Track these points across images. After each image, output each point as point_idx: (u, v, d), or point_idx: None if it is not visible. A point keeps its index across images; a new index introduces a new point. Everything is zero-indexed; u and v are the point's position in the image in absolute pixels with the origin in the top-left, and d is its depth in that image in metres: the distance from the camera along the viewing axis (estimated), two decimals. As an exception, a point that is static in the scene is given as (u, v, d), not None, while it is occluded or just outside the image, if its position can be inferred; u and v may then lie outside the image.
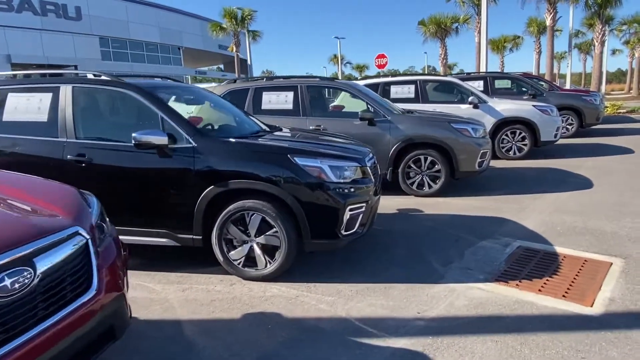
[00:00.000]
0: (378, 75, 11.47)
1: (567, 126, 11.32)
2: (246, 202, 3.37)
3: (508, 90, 11.35)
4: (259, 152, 3.43)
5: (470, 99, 8.44)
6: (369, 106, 6.20)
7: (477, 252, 4.02)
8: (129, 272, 3.77)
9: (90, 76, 3.87)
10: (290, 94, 6.37)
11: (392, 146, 6.01)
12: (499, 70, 33.92)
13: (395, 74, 31.79)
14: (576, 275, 3.47)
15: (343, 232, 3.41)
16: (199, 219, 3.46)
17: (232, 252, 3.51)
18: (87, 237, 1.91)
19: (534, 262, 3.77)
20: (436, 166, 5.99)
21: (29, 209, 2.02)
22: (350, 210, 3.41)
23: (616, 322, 2.75)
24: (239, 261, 3.51)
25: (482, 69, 17.25)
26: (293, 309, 3.06)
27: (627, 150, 9.14)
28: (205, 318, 2.98)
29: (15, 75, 4.35)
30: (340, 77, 42.66)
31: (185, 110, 4.79)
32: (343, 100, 7.15)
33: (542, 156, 8.87)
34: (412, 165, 6.09)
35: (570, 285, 3.30)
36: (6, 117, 3.80)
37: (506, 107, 8.57)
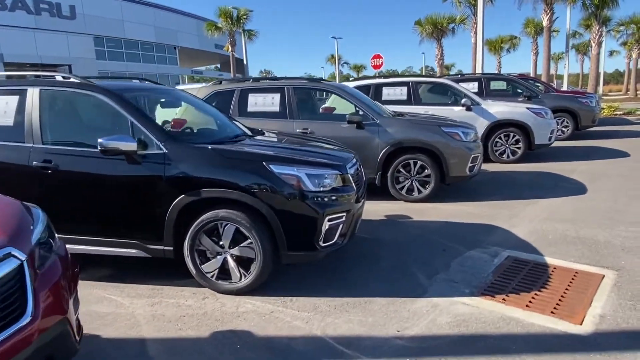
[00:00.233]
0: (370, 77, 11.29)
1: (563, 129, 11.17)
2: (219, 212, 3.20)
3: (503, 91, 11.19)
4: (233, 159, 3.25)
5: (463, 101, 8.28)
6: (357, 109, 6.03)
7: (464, 263, 3.86)
8: (98, 283, 3.64)
9: (58, 78, 3.69)
10: (277, 96, 6.19)
11: (381, 150, 5.84)
12: (496, 72, 33.86)
13: (393, 74, 31.68)
14: (566, 288, 3.31)
15: (322, 244, 3.24)
16: (170, 229, 3.29)
17: (205, 264, 3.33)
18: (22, 258, 1.73)
19: (523, 273, 3.61)
20: (426, 171, 5.83)
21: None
22: (330, 220, 3.24)
23: (606, 342, 2.58)
24: (212, 274, 3.33)
25: (479, 69, 17.11)
26: (266, 326, 2.89)
27: (622, 154, 8.99)
28: (172, 336, 2.81)
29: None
30: (337, 77, 42.54)
31: (172, 113, 4.65)
32: (334, 102, 6.99)
33: (536, 160, 8.71)
34: (402, 170, 5.92)
35: (560, 300, 3.14)
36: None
37: (499, 109, 8.41)
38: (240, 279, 3.29)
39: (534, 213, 5.23)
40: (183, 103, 4.48)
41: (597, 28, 28.66)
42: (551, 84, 29.56)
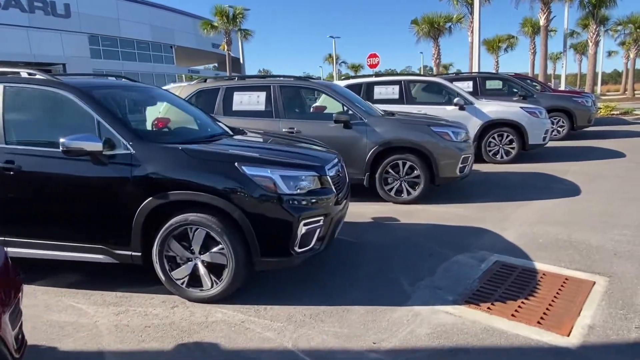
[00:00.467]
0: (361, 75, 11.13)
1: (558, 128, 11.02)
2: (189, 216, 3.03)
3: (499, 91, 11.04)
4: (204, 160, 3.08)
5: (455, 100, 8.11)
6: (344, 108, 5.86)
7: (451, 268, 3.69)
8: (67, 290, 3.47)
9: (24, 75, 3.51)
10: (263, 95, 6.02)
11: (369, 150, 5.67)
12: (494, 71, 33.71)
13: (391, 74, 31.45)
14: (555, 296, 3.15)
15: (297, 249, 3.07)
16: (138, 234, 3.12)
17: (175, 271, 3.16)
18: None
19: (511, 280, 3.45)
20: (415, 171, 5.66)
21: None
22: (306, 224, 3.07)
23: (593, 356, 2.42)
24: (182, 281, 3.16)
25: (475, 69, 16.97)
26: (235, 338, 2.72)
27: (618, 154, 8.84)
28: (133, 349, 2.64)
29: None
30: (336, 77, 42.38)
31: (156, 112, 4.47)
32: (325, 101, 6.82)
33: (530, 160, 8.55)
34: (390, 171, 5.75)
35: (547, 309, 2.98)
36: None
37: (493, 108, 8.24)
38: (212, 286, 3.12)
39: (526, 215, 5.07)
40: (162, 101, 4.30)
41: (595, 27, 28.55)
42: (549, 83, 29.44)
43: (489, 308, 3.02)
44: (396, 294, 3.27)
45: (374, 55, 22.37)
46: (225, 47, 30.02)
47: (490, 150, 8.36)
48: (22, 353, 1.96)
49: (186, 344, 2.66)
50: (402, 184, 5.75)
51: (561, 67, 26.63)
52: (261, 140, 4.14)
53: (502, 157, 8.35)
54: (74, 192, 3.20)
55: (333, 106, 6.24)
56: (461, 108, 8.10)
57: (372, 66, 22.44)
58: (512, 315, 2.91)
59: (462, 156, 5.64)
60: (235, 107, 6.07)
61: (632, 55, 40.45)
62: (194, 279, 3.15)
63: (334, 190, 3.36)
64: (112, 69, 33.87)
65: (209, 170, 3.02)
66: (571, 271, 3.55)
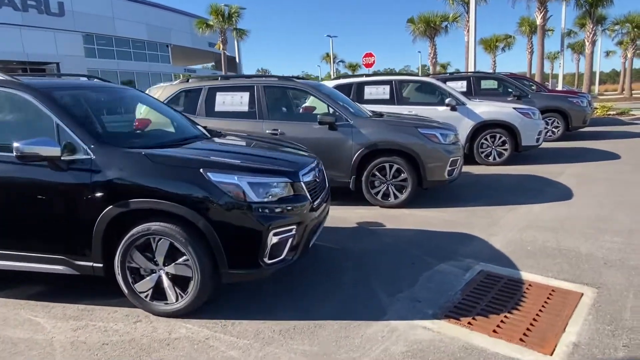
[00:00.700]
0: (352, 75, 10.95)
1: (553, 129, 10.87)
2: (151, 225, 2.85)
3: (494, 91, 10.87)
4: (167, 166, 2.90)
5: (447, 100, 7.94)
6: (330, 109, 5.69)
7: (433, 278, 3.52)
8: (27, 302, 3.27)
9: (-18, 75, 3.32)
10: (246, 95, 5.84)
11: (355, 152, 5.50)
12: (492, 70, 33.57)
13: (390, 73, 31.27)
14: (540, 310, 2.98)
15: (267, 260, 2.90)
16: (98, 244, 2.94)
17: (139, 283, 2.98)
18: None
19: (495, 291, 3.28)
20: (402, 175, 5.49)
21: None
22: (276, 234, 2.89)
23: (578, 379, 2.26)
24: (146, 294, 2.98)
25: (471, 68, 16.80)
26: (196, 357, 2.55)
27: (613, 156, 8.68)
28: (85, 370, 2.46)
29: None
30: (333, 76, 42.16)
31: (137, 112, 4.30)
32: (314, 101, 6.64)
33: (523, 162, 8.39)
34: (377, 174, 5.58)
35: (532, 324, 2.81)
36: None
37: (485, 109, 8.07)
38: (177, 300, 2.94)
39: (515, 220, 4.90)
40: (133, 103, 4.12)
41: (591, 27, 28.41)
42: (546, 83, 29.31)
43: (469, 323, 2.85)
44: (373, 306, 3.10)
45: (370, 55, 22.23)
46: (221, 46, 29.79)
47: (482, 152, 8.19)
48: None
49: (143, 365, 2.49)
50: (389, 188, 5.58)
51: (559, 66, 26.54)
52: (237, 143, 3.97)
53: (494, 158, 8.18)
54: (31, 199, 3.01)
55: (322, 107, 6.06)
56: (453, 109, 7.94)
57: (367, 65, 22.30)
58: (494, 331, 2.74)
59: (451, 159, 5.47)
60: (218, 108, 5.90)
61: (629, 55, 40.35)
62: (159, 292, 2.98)
63: (309, 197, 3.18)
64: (107, 68, 33.68)
65: (172, 176, 2.85)
66: (559, 281, 3.39)
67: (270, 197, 2.92)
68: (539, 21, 22.28)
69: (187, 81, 6.22)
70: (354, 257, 4.03)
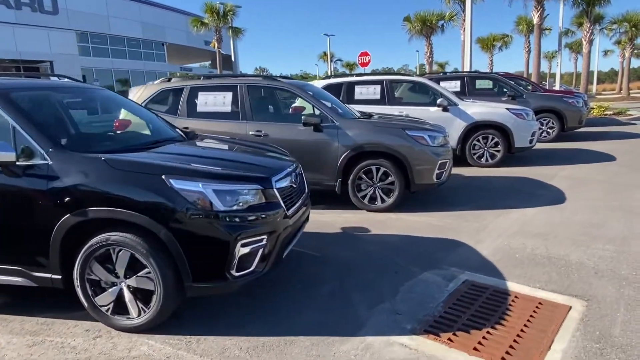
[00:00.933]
0: (342, 75, 10.78)
1: (548, 130, 10.71)
2: (110, 235, 2.67)
3: (489, 90, 10.71)
4: (128, 172, 2.72)
5: (439, 101, 7.77)
6: (315, 109, 5.51)
7: (415, 289, 3.36)
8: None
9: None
10: (229, 95, 5.66)
11: (341, 155, 5.32)
12: (489, 70, 33.43)
13: (388, 72, 31.06)
14: (525, 324, 2.82)
15: (234, 273, 2.72)
16: (56, 255, 2.76)
17: (99, 296, 2.81)
18: None
19: (479, 303, 3.11)
20: (389, 178, 5.32)
21: None
22: (245, 245, 2.72)
23: (561, 405, 2.09)
24: (107, 307, 2.81)
25: (467, 67, 16.63)
26: (154, 378, 2.37)
27: (608, 158, 8.52)
28: (32, 394, 2.28)
29: None
30: (331, 75, 41.92)
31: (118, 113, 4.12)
32: (303, 101, 6.45)
33: (517, 164, 8.22)
34: (364, 177, 5.41)
35: (516, 340, 2.65)
36: None
37: (478, 110, 7.89)
38: (139, 314, 2.77)
39: (504, 226, 4.73)
40: (103, 104, 3.94)
41: (589, 25, 28.26)
42: (543, 82, 29.17)
43: (449, 339, 2.68)
44: (350, 320, 2.93)
45: (365, 54, 22.06)
46: (216, 44, 29.54)
47: (474, 154, 8.02)
48: None
49: (94, 388, 2.31)
50: (376, 191, 5.41)
51: (556, 66, 26.39)
52: (211, 146, 3.79)
53: (487, 160, 8.01)
54: (-16, 207, 2.83)
55: (310, 107, 5.87)
56: (444, 109, 7.77)
57: (363, 64, 22.12)
58: (475, 348, 2.57)
59: (439, 161, 5.30)
60: (200, 109, 5.72)
61: (627, 55, 40.23)
62: (120, 306, 2.80)
63: (282, 204, 3.01)
64: (102, 67, 33.41)
65: (133, 183, 2.67)
66: (546, 293, 3.22)
67: (239, 205, 2.75)
68: (535, 20, 22.10)
69: (169, 80, 6.04)
70: (334, 265, 3.86)
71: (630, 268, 3.54)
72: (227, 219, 2.68)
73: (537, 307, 3.04)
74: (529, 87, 12.15)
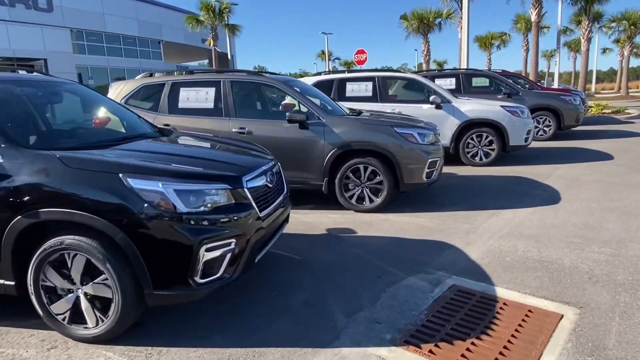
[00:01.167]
0: (334, 71, 10.58)
1: (544, 128, 10.51)
2: (64, 239, 2.47)
3: (484, 88, 10.51)
4: (83, 170, 2.51)
5: (432, 98, 7.56)
6: (301, 106, 5.31)
7: (397, 295, 3.16)
8: None
9: None
10: (212, 91, 5.46)
11: (328, 153, 5.12)
12: (487, 68, 33.19)
13: (388, 70, 30.81)
14: (513, 335, 2.62)
15: (198, 280, 2.52)
16: (8, 259, 2.56)
17: (55, 304, 2.61)
18: None
19: (464, 311, 2.92)
20: (378, 177, 5.12)
21: None
22: (210, 249, 2.52)
23: None
24: (63, 316, 2.61)
25: (464, 65, 16.43)
26: (106, 395, 2.17)
27: (605, 157, 8.33)
28: (-32, 414, 2.08)
29: None
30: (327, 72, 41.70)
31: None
32: (290, 97, 6.26)
33: (511, 162, 8.03)
34: (351, 176, 5.21)
35: (501, 352, 2.45)
36: None
37: (472, 107, 7.69)
38: (97, 324, 2.57)
39: (496, 227, 4.54)
40: (70, 98, 3.73)
41: (587, 23, 28.05)
42: (541, 81, 28.98)
43: (430, 351, 2.49)
44: (326, 329, 2.74)
45: (362, 52, 21.85)
46: (211, 42, 29.28)
47: (468, 152, 7.82)
48: None
49: (37, 407, 2.11)
50: (364, 191, 5.21)
51: (555, 64, 26.15)
52: (183, 143, 3.59)
53: (481, 159, 7.81)
54: None
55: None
56: (438, 107, 7.57)
57: (359, 62, 21.92)
58: (457, 362, 2.38)
59: (429, 160, 5.10)
60: (181, 105, 5.51)
61: (626, 53, 40.01)
62: (78, 315, 2.60)
63: (254, 205, 2.81)
64: (97, 65, 33.17)
65: (87, 182, 2.46)
66: (537, 300, 3.03)
67: (204, 206, 2.55)
68: (533, 18, 21.90)
69: (151, 76, 5.83)
70: (316, 269, 3.66)
71: (627, 273, 3.35)
72: (191, 222, 2.48)
73: (526, 315, 2.84)
74: (526, 85, 11.95)
